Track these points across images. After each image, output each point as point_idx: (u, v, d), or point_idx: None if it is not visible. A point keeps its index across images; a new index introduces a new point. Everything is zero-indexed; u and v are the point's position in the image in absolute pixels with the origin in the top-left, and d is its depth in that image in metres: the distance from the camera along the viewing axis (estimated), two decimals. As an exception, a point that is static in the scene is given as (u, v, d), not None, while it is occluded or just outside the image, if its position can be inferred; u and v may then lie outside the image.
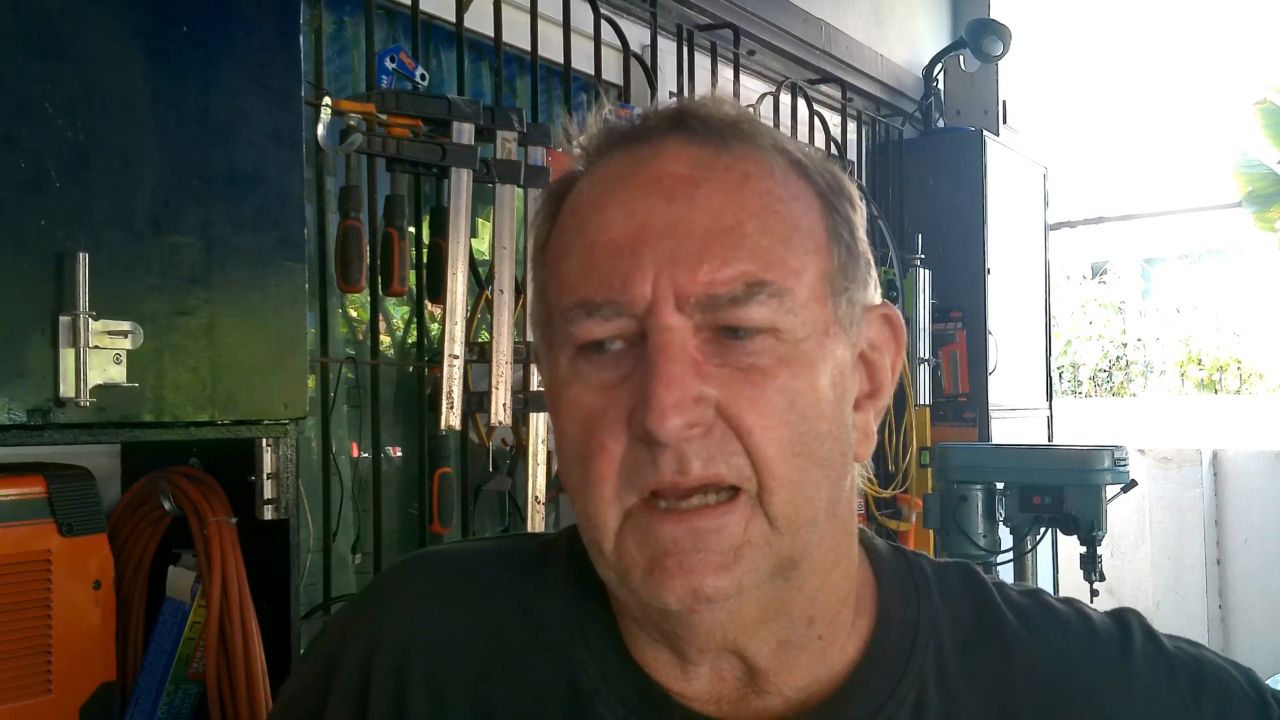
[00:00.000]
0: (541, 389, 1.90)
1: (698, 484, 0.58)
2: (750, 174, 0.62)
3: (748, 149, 0.63)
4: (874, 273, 0.67)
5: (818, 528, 0.62)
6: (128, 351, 1.14)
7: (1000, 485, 2.59)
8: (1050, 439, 3.97)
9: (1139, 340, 8.65)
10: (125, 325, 1.14)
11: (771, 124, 0.69)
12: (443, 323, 1.82)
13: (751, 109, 0.68)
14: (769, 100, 2.89)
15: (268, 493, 1.31)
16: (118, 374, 1.13)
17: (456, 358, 1.79)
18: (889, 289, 3.14)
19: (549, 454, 2.01)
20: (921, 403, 3.27)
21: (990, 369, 3.45)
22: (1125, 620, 0.71)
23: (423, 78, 1.89)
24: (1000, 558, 2.63)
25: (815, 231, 0.63)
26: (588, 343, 0.61)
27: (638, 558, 0.60)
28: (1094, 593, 2.55)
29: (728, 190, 0.61)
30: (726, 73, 2.75)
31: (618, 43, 2.37)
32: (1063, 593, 3.90)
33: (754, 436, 0.58)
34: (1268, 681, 0.70)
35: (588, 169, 0.66)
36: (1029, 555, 2.64)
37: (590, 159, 0.66)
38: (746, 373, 0.59)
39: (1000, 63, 3.71)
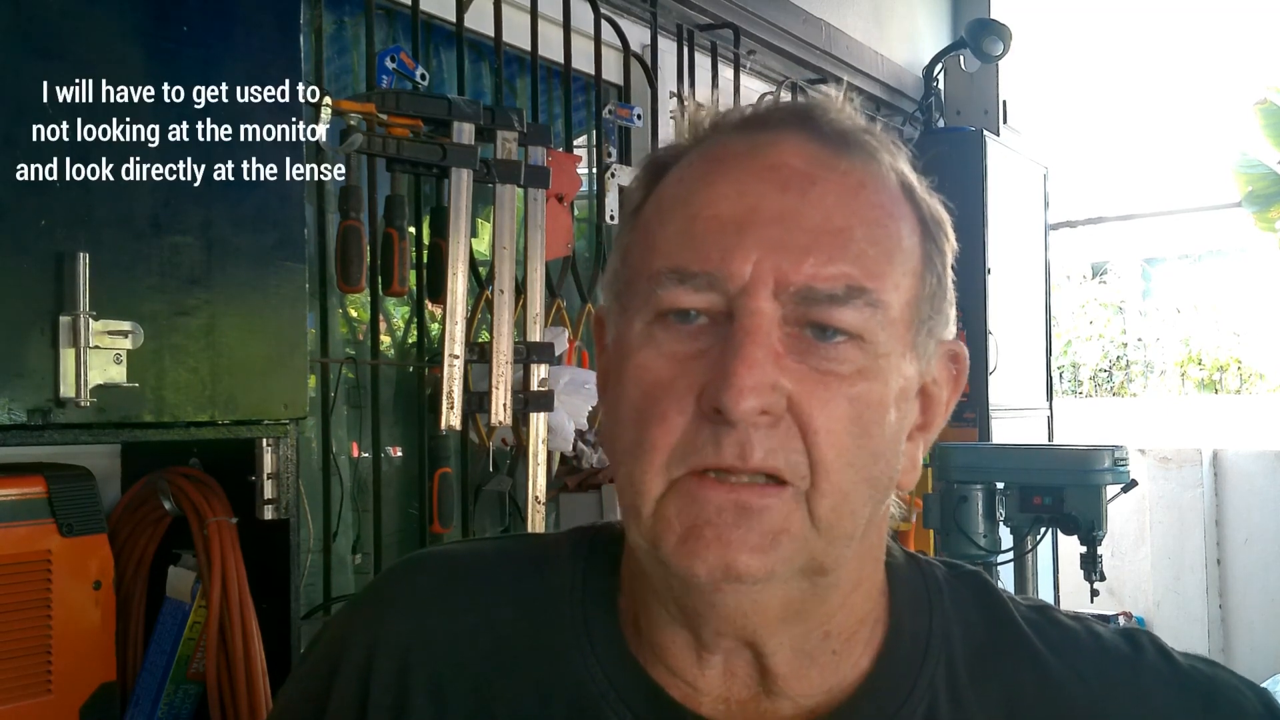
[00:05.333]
0: (543, 388, 1.92)
1: (754, 470, 0.58)
2: (866, 183, 0.62)
3: (866, 160, 0.63)
4: (954, 311, 0.67)
5: (852, 542, 0.62)
6: (128, 351, 1.14)
7: (1000, 485, 2.59)
8: (1050, 439, 3.97)
9: (1139, 340, 8.64)
10: (125, 325, 1.14)
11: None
12: (443, 323, 1.82)
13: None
14: (769, 100, 2.88)
15: (268, 493, 1.31)
16: (118, 374, 1.13)
17: (456, 358, 1.79)
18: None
19: (549, 454, 2.01)
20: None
21: (990, 369, 3.44)
22: (1135, 638, 0.71)
23: (423, 78, 1.89)
24: (1000, 558, 2.62)
25: (914, 255, 0.63)
26: (670, 310, 0.61)
27: (675, 524, 0.59)
28: (1094, 593, 2.55)
29: (842, 193, 0.61)
30: (726, 73, 2.74)
31: (618, 43, 2.37)
32: (1063, 593, 3.90)
33: (818, 437, 0.58)
34: (1267, 682, 0.70)
35: (697, 144, 0.66)
36: (1029, 555, 2.64)
37: (701, 136, 0.66)
38: (823, 375, 0.59)
39: (1000, 63, 3.71)
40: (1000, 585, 0.74)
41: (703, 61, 2.66)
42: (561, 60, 2.24)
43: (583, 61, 2.31)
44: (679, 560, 0.59)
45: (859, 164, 0.63)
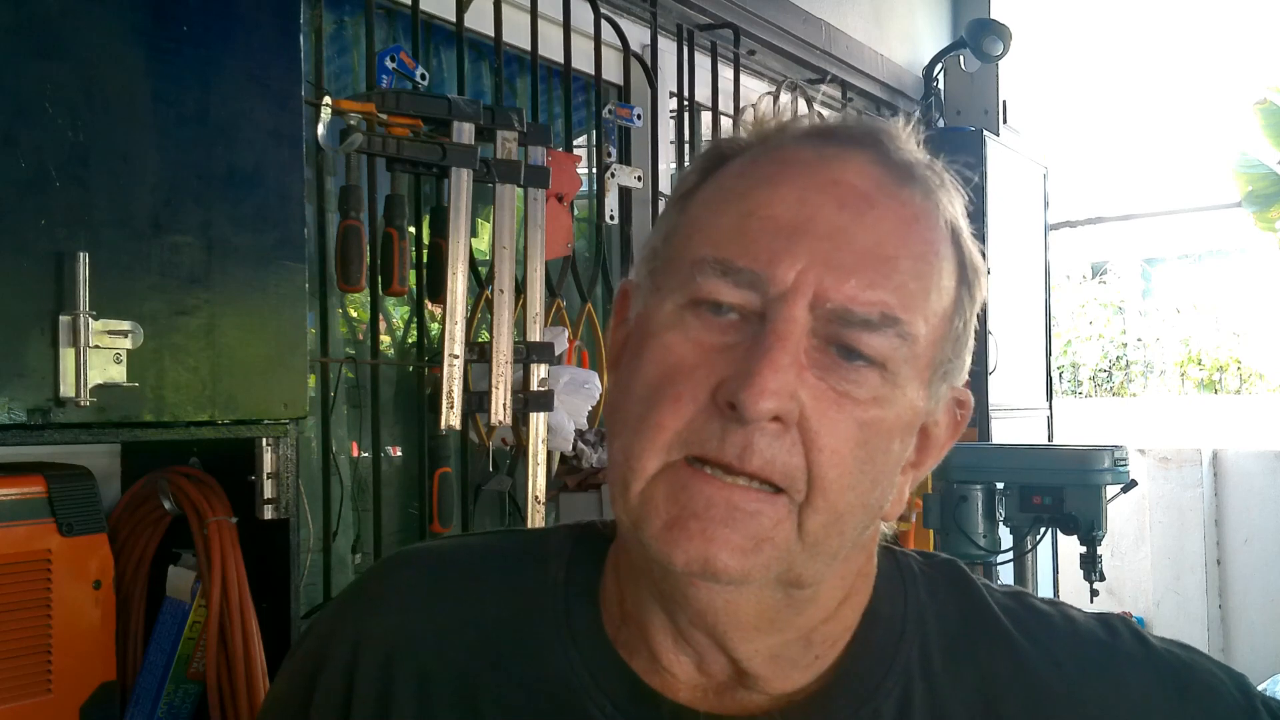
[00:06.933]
0: (543, 388, 1.92)
1: (751, 474, 0.59)
2: (920, 218, 0.63)
3: (925, 195, 0.64)
4: (969, 359, 0.68)
5: (834, 562, 0.63)
6: (128, 351, 1.14)
7: (1000, 485, 2.59)
8: (1050, 439, 3.97)
9: (1139, 340, 8.65)
10: (125, 325, 1.13)
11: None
12: (443, 323, 1.82)
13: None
14: (769, 100, 2.88)
15: (268, 493, 1.31)
16: (118, 374, 1.13)
17: (456, 358, 1.79)
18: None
19: (549, 454, 2.01)
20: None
21: (990, 369, 3.44)
22: (1111, 623, 0.72)
23: (423, 78, 1.89)
24: (1000, 558, 2.62)
25: (948, 296, 0.65)
26: (706, 300, 0.61)
27: (662, 509, 0.60)
28: (1094, 593, 2.55)
29: (897, 223, 0.62)
30: (726, 73, 2.74)
31: (618, 43, 2.37)
32: (1063, 593, 3.90)
33: (822, 455, 0.59)
34: (1267, 682, 0.70)
35: (761, 143, 0.67)
36: (1029, 555, 2.64)
37: (767, 135, 0.67)
38: (840, 395, 0.60)
39: (1000, 63, 3.71)
40: (977, 576, 0.74)
41: (703, 61, 2.66)
42: (561, 60, 2.24)
43: (583, 61, 2.31)
44: (659, 546, 0.60)
45: (918, 197, 0.64)
